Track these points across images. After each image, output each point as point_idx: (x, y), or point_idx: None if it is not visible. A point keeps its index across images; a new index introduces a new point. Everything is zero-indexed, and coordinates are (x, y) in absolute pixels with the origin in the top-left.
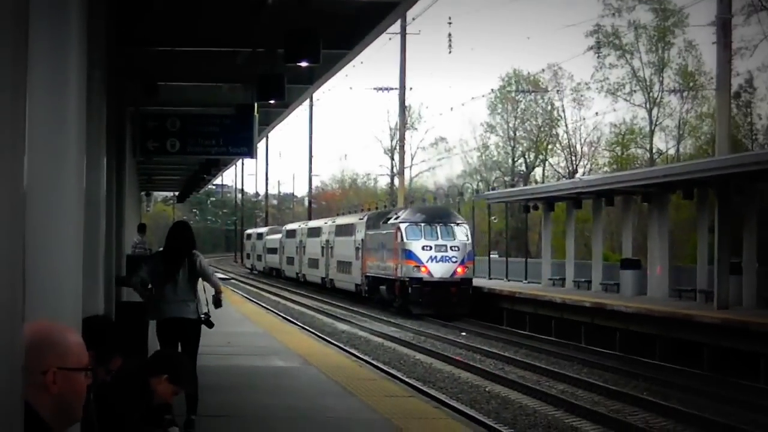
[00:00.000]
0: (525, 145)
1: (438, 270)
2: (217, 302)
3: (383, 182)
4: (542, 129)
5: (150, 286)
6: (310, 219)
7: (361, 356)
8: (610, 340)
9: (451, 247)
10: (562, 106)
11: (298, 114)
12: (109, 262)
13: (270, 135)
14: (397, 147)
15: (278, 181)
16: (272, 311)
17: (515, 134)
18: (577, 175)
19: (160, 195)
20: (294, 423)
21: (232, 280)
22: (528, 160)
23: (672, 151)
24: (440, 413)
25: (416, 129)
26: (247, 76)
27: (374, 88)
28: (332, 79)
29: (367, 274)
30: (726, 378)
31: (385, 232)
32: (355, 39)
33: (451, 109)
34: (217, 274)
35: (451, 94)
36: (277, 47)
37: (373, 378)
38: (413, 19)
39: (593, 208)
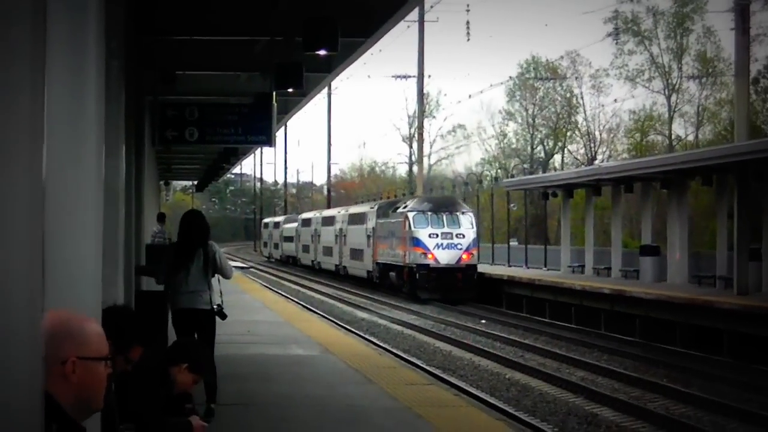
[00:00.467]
0: (544, 132)
1: (444, 257)
2: (222, 315)
3: (402, 170)
4: (561, 116)
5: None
6: (329, 207)
7: (380, 344)
8: (630, 326)
9: (456, 235)
10: (581, 92)
11: (317, 102)
12: (128, 251)
13: (288, 123)
14: (416, 135)
15: (297, 170)
16: (291, 299)
17: (534, 121)
18: (596, 162)
19: (179, 184)
20: (314, 411)
21: (252, 269)
22: (547, 148)
23: (691, 138)
24: (460, 401)
25: (434, 117)
26: (266, 65)
27: (392, 76)
28: (350, 67)
29: (378, 261)
30: (746, 364)
31: (394, 220)
32: (373, 27)
33: (470, 96)
34: (235, 262)
35: (469, 81)
36: (295, 36)
37: (393, 366)
38: (431, 6)
39: (612, 195)
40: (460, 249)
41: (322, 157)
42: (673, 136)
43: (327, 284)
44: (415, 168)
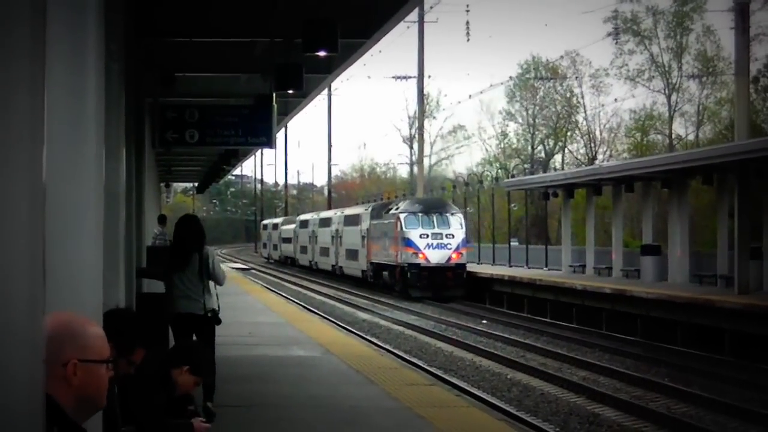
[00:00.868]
0: (544, 132)
1: (434, 256)
2: (216, 320)
3: (403, 171)
4: (561, 116)
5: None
6: (329, 208)
7: (382, 345)
8: (631, 326)
9: (446, 235)
10: (581, 92)
11: (317, 103)
12: (129, 253)
13: (289, 125)
14: (416, 135)
15: (297, 171)
16: (292, 300)
17: (534, 121)
18: (597, 162)
19: (179, 186)
20: (316, 412)
21: (252, 271)
22: (547, 147)
23: (691, 137)
24: (462, 401)
25: (435, 118)
26: (265, 66)
27: (392, 77)
28: (350, 68)
29: (372, 261)
30: (748, 363)
31: (386, 221)
32: (373, 28)
33: (470, 96)
34: (236, 264)
35: (469, 81)
36: (295, 37)
37: (395, 367)
38: (431, 7)
39: (613, 195)
40: (450, 249)
41: (322, 158)
42: (673, 136)
43: (325, 284)
44: (415, 168)
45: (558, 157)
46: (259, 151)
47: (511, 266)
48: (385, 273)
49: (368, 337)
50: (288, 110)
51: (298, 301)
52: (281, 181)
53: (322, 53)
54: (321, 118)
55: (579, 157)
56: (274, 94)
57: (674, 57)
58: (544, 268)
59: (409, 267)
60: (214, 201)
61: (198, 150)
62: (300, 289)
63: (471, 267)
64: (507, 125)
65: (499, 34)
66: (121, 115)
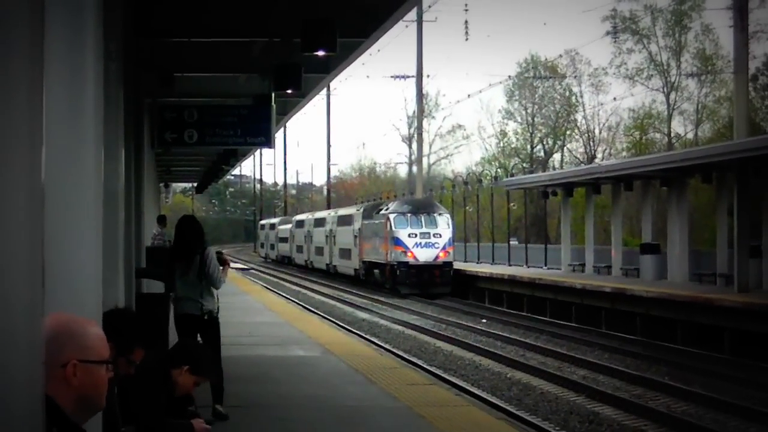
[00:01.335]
0: (543, 131)
1: (423, 255)
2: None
3: (402, 170)
4: (560, 115)
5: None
6: (329, 208)
7: (381, 345)
8: (631, 325)
9: (434, 235)
10: (580, 91)
11: (316, 103)
12: (128, 253)
13: (288, 124)
14: (415, 135)
15: (297, 171)
16: (292, 300)
17: (533, 120)
18: (596, 161)
19: (178, 186)
20: (315, 411)
21: (252, 271)
22: (546, 146)
23: (690, 135)
24: (462, 400)
25: (434, 117)
26: (264, 66)
27: (391, 76)
28: (349, 67)
29: (364, 260)
30: (747, 361)
31: (377, 222)
32: (371, 27)
33: (469, 96)
34: (236, 264)
35: (468, 80)
36: (293, 37)
37: (395, 366)
38: (429, 6)
39: (612, 193)
40: (438, 248)
41: (321, 158)
42: (672, 134)
43: (321, 283)
44: (414, 168)
45: (557, 156)
46: (258, 151)
47: (510, 265)
48: (376, 271)
49: (368, 337)
50: (287, 110)
51: (297, 301)
52: (280, 181)
53: (320, 53)
54: (320, 117)
55: (578, 156)
56: (272, 94)
57: (673, 55)
58: (544, 267)
59: (399, 265)
60: (214, 201)
61: (197, 150)
62: (299, 288)
63: (471, 267)
64: (506, 124)
65: (498, 33)
66: (119, 116)
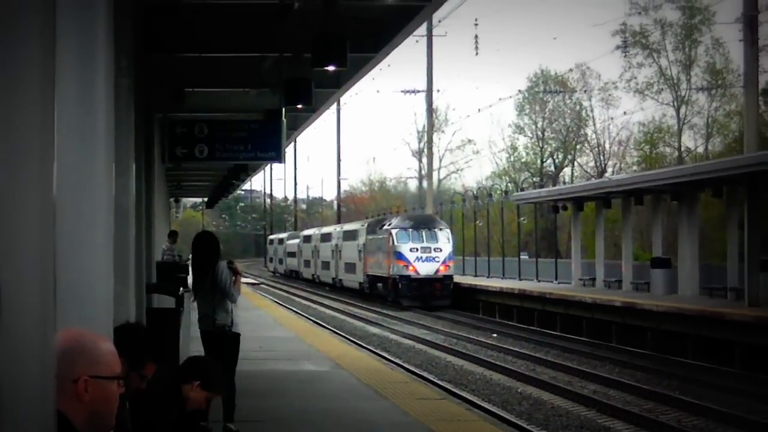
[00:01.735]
0: (553, 145)
1: (424, 268)
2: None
3: (412, 185)
4: (570, 129)
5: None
6: (339, 222)
7: (392, 359)
8: (642, 339)
9: (434, 249)
10: (591, 105)
11: (326, 118)
12: (139, 268)
13: (298, 139)
14: (425, 149)
15: (307, 185)
16: (302, 315)
17: (543, 135)
18: (606, 175)
19: (189, 201)
20: (326, 426)
21: (262, 285)
22: (557, 161)
23: (701, 149)
24: (472, 415)
25: (444, 132)
26: (275, 81)
27: (401, 91)
28: (359, 82)
29: (368, 273)
30: (758, 375)
31: (380, 236)
32: (381, 42)
33: (479, 110)
34: (246, 279)
35: (478, 95)
36: (303, 52)
37: (405, 381)
38: (439, 21)
39: (623, 208)
40: (438, 261)
41: (331, 173)
42: (682, 148)
43: (329, 297)
44: (424, 182)
45: (567, 170)
46: (269, 165)
47: (521, 280)
48: (380, 284)
49: (378, 351)
50: (297, 125)
51: (307, 315)
52: (291, 196)
53: (331, 68)
54: (330, 132)
55: (588, 170)
56: (283, 109)
57: (683, 70)
58: (554, 282)
59: (401, 278)
60: (224, 216)
61: (207, 165)
62: (309, 303)
63: (481, 281)
64: (516, 139)
65: (508, 47)
66: (130, 131)
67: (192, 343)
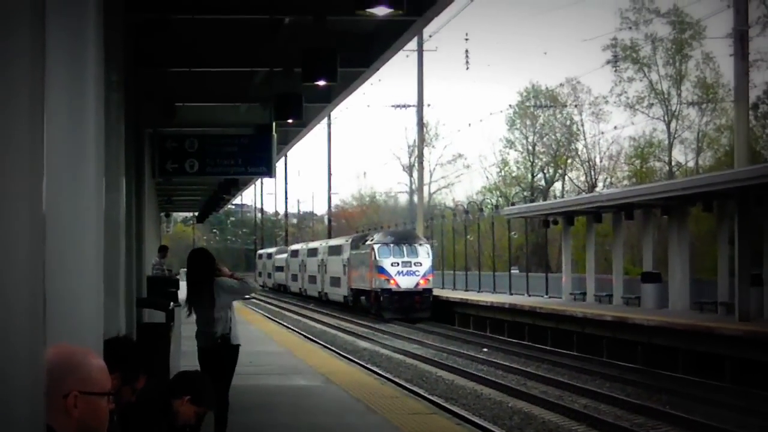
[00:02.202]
0: (544, 159)
1: (404, 282)
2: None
3: (403, 199)
4: (561, 143)
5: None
6: (329, 237)
7: (383, 374)
8: (632, 353)
9: (414, 263)
10: (581, 120)
11: (317, 132)
12: (130, 283)
13: (288, 154)
14: (416, 164)
15: (298, 200)
16: (292, 329)
17: (534, 149)
18: (597, 189)
19: (179, 215)
20: None
21: (253, 299)
22: (547, 175)
23: (691, 164)
24: (463, 430)
25: (434, 146)
26: (265, 96)
27: (392, 106)
28: (350, 97)
29: (352, 287)
30: (749, 390)
31: (363, 251)
32: (372, 57)
33: (470, 125)
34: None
35: (468, 110)
36: (294, 66)
37: (396, 395)
38: (430, 36)
39: (613, 222)
40: (418, 275)
41: (322, 187)
42: (673, 163)
43: (316, 310)
44: (415, 197)
45: (558, 185)
46: (259, 180)
47: (511, 294)
48: (363, 297)
49: (369, 366)
50: (288, 139)
51: (298, 330)
52: (281, 210)
53: (321, 82)
54: (321, 147)
55: (579, 184)
56: (273, 124)
57: (673, 84)
58: (545, 296)
59: (382, 292)
60: (215, 230)
61: (198, 179)
62: (299, 317)
63: (472, 296)
64: (507, 153)
65: (499, 62)
66: (120, 146)
67: (182, 358)
